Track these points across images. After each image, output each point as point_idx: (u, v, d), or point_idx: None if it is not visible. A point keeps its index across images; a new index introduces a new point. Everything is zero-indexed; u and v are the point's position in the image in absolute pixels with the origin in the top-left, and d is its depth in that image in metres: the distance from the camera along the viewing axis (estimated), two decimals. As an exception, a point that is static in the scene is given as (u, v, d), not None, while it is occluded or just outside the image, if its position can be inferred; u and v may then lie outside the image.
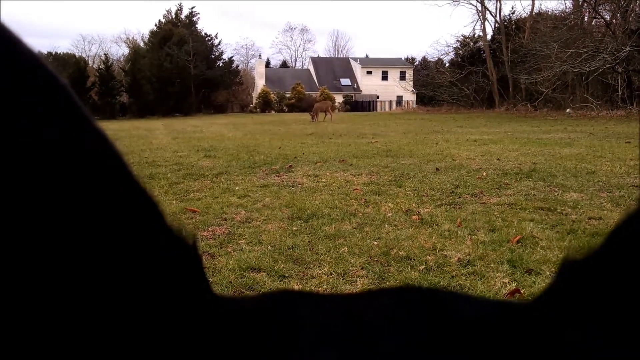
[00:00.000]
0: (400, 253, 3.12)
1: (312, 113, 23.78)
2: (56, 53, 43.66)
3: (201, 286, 0.27)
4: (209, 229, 3.77)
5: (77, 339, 0.23)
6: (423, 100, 45.78)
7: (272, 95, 45.49)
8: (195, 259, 0.27)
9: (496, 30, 37.16)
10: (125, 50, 60.73)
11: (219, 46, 46.24)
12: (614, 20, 24.67)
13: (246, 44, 69.30)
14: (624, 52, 21.08)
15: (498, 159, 7.43)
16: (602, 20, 25.43)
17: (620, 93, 23.51)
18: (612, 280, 0.23)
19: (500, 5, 43.07)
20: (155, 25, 44.09)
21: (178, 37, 41.10)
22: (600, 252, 0.24)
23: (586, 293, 0.24)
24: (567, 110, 23.94)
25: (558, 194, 4.75)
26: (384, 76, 53.91)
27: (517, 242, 3.28)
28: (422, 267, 2.88)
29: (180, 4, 56.93)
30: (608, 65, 22.35)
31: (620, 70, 22.81)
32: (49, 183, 0.22)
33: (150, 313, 0.24)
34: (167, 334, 0.24)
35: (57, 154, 0.22)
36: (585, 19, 27.22)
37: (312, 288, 2.63)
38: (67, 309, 0.23)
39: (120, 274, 0.24)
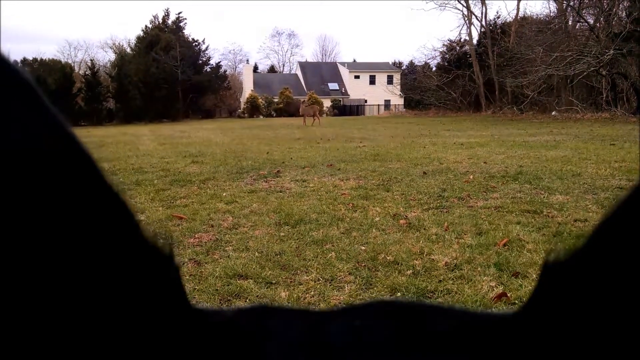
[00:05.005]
0: (388, 258, 3.12)
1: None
2: (42, 59, 43.15)
3: (176, 299, 0.26)
4: (196, 235, 3.74)
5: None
6: (410, 104, 45.96)
7: (260, 100, 45.41)
8: (170, 269, 0.26)
9: (482, 35, 37.47)
10: (111, 55, 60.46)
11: (207, 51, 46.12)
12: (598, 24, 24.98)
13: (234, 49, 69.18)
14: (607, 56, 21.35)
15: (485, 162, 7.47)
16: (586, 24, 25.76)
17: (604, 96, 23.84)
18: (596, 284, 0.23)
19: (486, 9, 43.59)
20: (142, 30, 43.83)
21: (165, 43, 40.86)
22: (583, 253, 0.24)
23: (570, 301, 0.23)
24: (553, 113, 24.20)
25: (544, 197, 4.78)
26: (372, 80, 54.07)
27: (504, 245, 3.29)
28: (409, 272, 2.88)
29: (168, 9, 56.79)
30: (592, 69, 22.63)
31: (604, 73, 23.12)
32: (3, 186, 0.21)
33: (121, 326, 0.23)
34: (137, 348, 0.23)
35: (17, 152, 0.21)
36: (570, 22, 27.54)
37: (300, 295, 2.62)
38: (31, 323, 0.22)
39: (87, 287, 0.23)
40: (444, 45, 40.73)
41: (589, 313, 0.22)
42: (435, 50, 44.39)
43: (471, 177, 6.07)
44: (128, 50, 46.49)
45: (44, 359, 0.22)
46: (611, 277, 0.22)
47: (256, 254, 3.27)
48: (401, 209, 4.46)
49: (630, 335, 0.22)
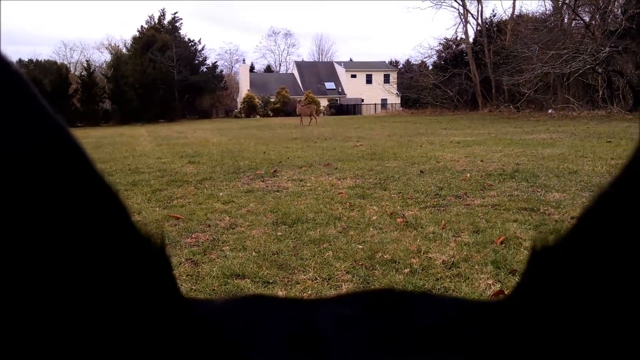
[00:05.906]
0: (385, 256, 3.12)
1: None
2: (37, 60, 43.16)
3: (168, 288, 0.26)
4: (193, 235, 3.74)
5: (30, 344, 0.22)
6: (407, 102, 46.09)
7: (257, 99, 45.42)
8: (162, 260, 0.26)
9: (478, 33, 37.57)
10: (107, 56, 60.34)
11: (203, 51, 46.19)
12: (593, 22, 25.06)
13: (230, 49, 68.74)
14: (603, 53, 21.42)
15: (482, 161, 7.48)
16: (582, 21, 25.83)
17: (600, 93, 23.91)
18: (583, 270, 0.23)
19: (482, 7, 43.64)
20: (138, 31, 43.83)
21: (161, 43, 40.86)
22: (569, 240, 0.24)
23: (556, 288, 0.24)
24: (549, 110, 24.27)
25: (541, 194, 4.79)
26: (368, 79, 54.14)
27: (501, 243, 3.29)
28: (407, 270, 2.88)
29: (163, 9, 56.76)
30: (588, 66, 22.70)
31: (600, 70, 23.17)
32: None
33: (111, 316, 0.23)
34: (126, 337, 0.24)
35: (13, 151, 0.21)
36: (565, 20, 27.63)
37: (297, 294, 2.61)
38: (21, 312, 0.22)
39: (78, 277, 0.23)
40: (440, 43, 40.93)
41: (577, 299, 0.23)
42: (431, 48, 44.45)
43: (468, 175, 6.08)
44: (124, 50, 46.46)
45: (34, 344, 0.22)
46: (597, 262, 0.22)
47: (253, 253, 3.27)
48: (398, 207, 4.46)
49: (617, 318, 0.22)
